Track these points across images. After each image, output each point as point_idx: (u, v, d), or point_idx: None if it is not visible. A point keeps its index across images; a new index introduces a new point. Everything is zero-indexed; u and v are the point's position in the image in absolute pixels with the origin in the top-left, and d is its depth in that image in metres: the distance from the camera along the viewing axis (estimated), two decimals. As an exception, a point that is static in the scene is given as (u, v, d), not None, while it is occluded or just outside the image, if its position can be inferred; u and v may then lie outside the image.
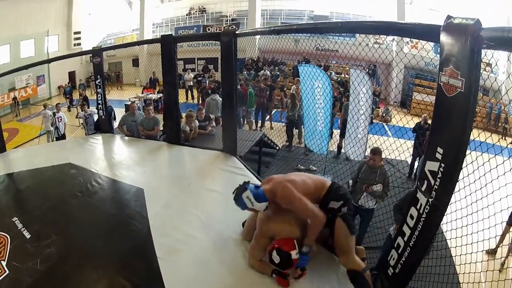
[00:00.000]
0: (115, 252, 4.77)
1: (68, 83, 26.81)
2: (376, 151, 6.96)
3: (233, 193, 4.20)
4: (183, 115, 9.82)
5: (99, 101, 10.21)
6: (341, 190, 4.25)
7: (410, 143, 9.35)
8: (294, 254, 3.82)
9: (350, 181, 10.13)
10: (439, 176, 3.06)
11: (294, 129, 13.93)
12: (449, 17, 2.89)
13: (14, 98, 24.75)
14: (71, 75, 27.69)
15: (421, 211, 3.29)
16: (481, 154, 3.60)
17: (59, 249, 4.84)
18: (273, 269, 3.99)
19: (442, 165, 3.02)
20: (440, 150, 3.03)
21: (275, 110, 17.60)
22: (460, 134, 2.91)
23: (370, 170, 7.07)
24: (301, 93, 11.11)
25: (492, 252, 7.96)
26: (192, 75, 23.64)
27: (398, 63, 16.89)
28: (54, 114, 15.15)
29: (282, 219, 4.10)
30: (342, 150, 12.56)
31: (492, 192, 3.54)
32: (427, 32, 3.25)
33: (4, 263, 4.65)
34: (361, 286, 3.99)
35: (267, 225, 4.12)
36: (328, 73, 16.46)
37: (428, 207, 3.20)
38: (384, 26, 4.11)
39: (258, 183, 4.66)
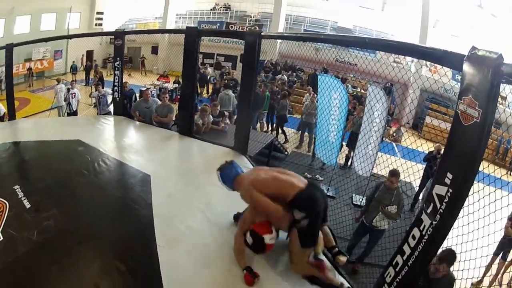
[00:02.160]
0: (116, 234, 4.73)
1: (87, 61, 26.88)
2: (394, 173, 6.90)
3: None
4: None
5: (116, 83, 10.13)
6: (308, 200, 4.04)
7: (417, 167, 9.26)
8: (268, 239, 3.95)
9: (355, 196, 10.15)
10: (445, 200, 3.09)
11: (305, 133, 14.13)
12: (473, 48, 2.93)
13: (29, 69, 24.88)
14: (89, 54, 27.68)
15: (423, 233, 3.30)
16: (484, 187, 3.63)
17: (59, 223, 4.81)
18: (245, 266, 4.04)
19: (450, 190, 3.05)
20: (449, 175, 3.07)
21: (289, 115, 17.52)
22: (470, 163, 2.94)
23: (387, 190, 7.00)
24: (317, 102, 11.02)
25: (477, 284, 8.07)
26: (210, 70, 23.53)
27: (414, 84, 16.86)
28: (68, 89, 15.08)
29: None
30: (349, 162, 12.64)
31: (488, 224, 3.60)
32: (451, 60, 3.26)
33: None
34: (317, 283, 3.98)
35: (251, 212, 4.21)
36: (345, 86, 16.39)
37: (431, 229, 3.21)
38: (410, 48, 4.16)
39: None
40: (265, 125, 15.26)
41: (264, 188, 4.08)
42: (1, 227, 4.68)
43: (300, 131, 14.80)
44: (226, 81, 16.90)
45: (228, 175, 4.45)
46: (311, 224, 3.93)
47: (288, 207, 4.00)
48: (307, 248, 4.01)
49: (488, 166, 4.30)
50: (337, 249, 4.47)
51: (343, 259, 4.41)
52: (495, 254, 7.93)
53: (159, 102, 10.01)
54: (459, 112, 2.99)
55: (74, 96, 14.96)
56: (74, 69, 26.22)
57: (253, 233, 3.97)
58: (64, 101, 15.49)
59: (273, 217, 4.05)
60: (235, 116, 10.18)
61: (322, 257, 4.30)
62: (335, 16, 28.70)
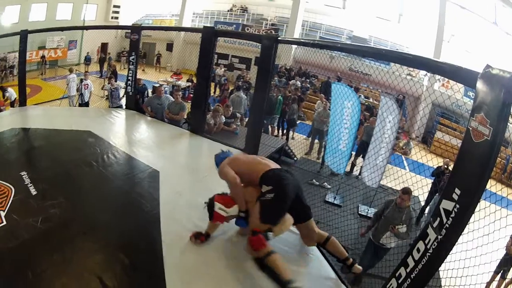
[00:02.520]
0: (121, 227, 4.72)
1: (103, 53, 26.98)
2: (406, 191, 6.72)
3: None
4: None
5: (130, 77, 10.10)
6: (275, 175, 4.15)
7: (425, 181, 9.21)
8: (217, 207, 4.21)
9: (361, 206, 10.07)
10: (452, 215, 3.07)
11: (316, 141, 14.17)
12: (487, 66, 2.92)
13: (43, 57, 24.94)
14: (104, 46, 27.75)
15: (428, 246, 3.27)
16: (489, 204, 3.71)
17: (64, 212, 4.80)
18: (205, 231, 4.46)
19: (457, 205, 3.03)
20: (457, 191, 3.04)
21: (300, 121, 17.44)
22: (478, 180, 2.92)
23: (397, 209, 6.81)
24: (330, 110, 10.97)
25: None
26: (222, 70, 23.44)
27: (427, 99, 16.77)
28: (81, 80, 15.05)
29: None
30: (356, 170, 12.68)
31: (492, 242, 3.69)
32: (465, 76, 3.27)
33: (3, 214, 4.63)
34: (267, 272, 3.82)
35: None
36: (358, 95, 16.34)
37: (436, 244, 3.18)
38: (426, 62, 4.11)
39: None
40: (276, 129, 15.19)
41: (236, 166, 4.36)
42: (5, 211, 4.66)
43: (310, 138, 14.71)
44: (239, 83, 16.85)
45: (219, 157, 4.72)
46: (276, 199, 3.92)
47: (258, 184, 4.15)
48: (265, 223, 3.92)
49: (496, 184, 4.29)
50: (351, 259, 4.44)
51: (358, 269, 4.41)
52: (495, 272, 7.89)
53: (172, 99, 10.00)
54: (471, 129, 2.98)
55: (87, 87, 14.91)
56: (87, 60, 26.36)
57: (210, 199, 4.31)
58: (77, 92, 15.46)
59: (234, 190, 4.27)
60: (246, 119, 10.14)
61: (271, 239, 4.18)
62: (351, 25, 28.64)
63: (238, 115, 10.45)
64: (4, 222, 4.44)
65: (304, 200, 4.27)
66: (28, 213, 4.65)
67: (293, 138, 15.82)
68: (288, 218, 4.14)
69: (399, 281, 3.54)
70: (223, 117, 9.54)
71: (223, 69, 23.62)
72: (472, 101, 3.04)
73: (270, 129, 14.18)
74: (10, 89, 15.07)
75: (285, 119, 14.91)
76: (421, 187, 7.02)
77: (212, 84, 20.57)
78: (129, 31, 10.27)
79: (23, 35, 10.26)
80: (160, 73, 26.92)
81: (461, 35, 23.74)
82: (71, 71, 16.53)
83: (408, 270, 3.45)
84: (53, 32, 18.36)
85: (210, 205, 4.27)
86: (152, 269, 3.98)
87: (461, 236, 3.12)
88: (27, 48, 10.54)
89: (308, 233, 4.38)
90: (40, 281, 3.66)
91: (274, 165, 4.40)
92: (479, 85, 2.94)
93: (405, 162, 15.69)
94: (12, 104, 14.60)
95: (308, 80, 22.39)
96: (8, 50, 22.04)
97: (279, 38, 6.98)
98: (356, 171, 12.79)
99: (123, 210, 5.16)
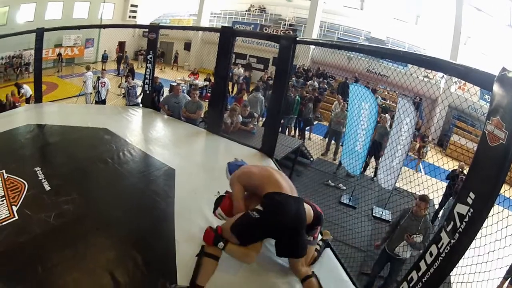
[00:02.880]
0: (135, 225, 4.69)
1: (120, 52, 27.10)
2: (424, 199, 6.50)
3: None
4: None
5: (147, 76, 10.11)
6: (275, 201, 3.78)
7: (441, 185, 9.10)
8: (217, 211, 4.25)
9: (376, 208, 9.95)
10: (465, 219, 3.00)
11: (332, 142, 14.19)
12: (503, 69, 2.88)
13: (59, 55, 25.28)
14: (121, 45, 27.90)
15: (441, 250, 3.20)
16: (503, 209, 3.58)
17: (78, 209, 4.77)
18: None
19: (471, 210, 2.97)
20: (472, 195, 2.98)
21: (317, 122, 17.34)
22: (493, 184, 2.86)
23: (413, 218, 6.55)
24: (347, 111, 10.90)
25: None
26: (241, 70, 23.47)
27: (444, 101, 16.61)
28: (98, 78, 15.10)
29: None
30: (369, 169, 12.75)
31: (504, 248, 3.68)
32: (482, 79, 3.21)
33: (15, 208, 4.61)
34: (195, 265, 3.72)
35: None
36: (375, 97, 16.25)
37: (449, 248, 3.11)
38: (443, 64, 4.03)
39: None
40: (293, 129, 15.13)
41: (248, 179, 4.17)
42: (17, 206, 4.65)
43: (327, 139, 14.60)
44: (258, 84, 16.80)
45: (232, 166, 4.65)
46: (259, 223, 3.69)
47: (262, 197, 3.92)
48: (232, 234, 3.75)
49: (509, 189, 4.20)
50: None
51: None
52: (504, 278, 7.75)
53: (189, 98, 9.98)
54: (486, 132, 2.92)
55: (104, 85, 14.98)
56: (105, 58, 26.74)
57: (221, 196, 4.36)
58: (94, 89, 15.53)
59: (235, 206, 4.10)
60: (262, 119, 10.07)
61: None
62: (369, 26, 28.52)
63: (255, 114, 10.36)
64: (16, 217, 4.42)
65: (302, 237, 3.88)
66: (41, 208, 4.63)
67: (309, 138, 15.76)
68: (252, 254, 3.85)
69: (411, 285, 3.48)
70: (240, 117, 9.47)
71: (241, 69, 23.65)
72: (487, 104, 2.98)
73: (287, 129, 14.11)
74: (25, 86, 15.27)
75: (301, 119, 14.83)
76: (436, 191, 6.86)
77: (230, 84, 20.66)
78: (147, 30, 10.32)
79: (39, 33, 10.34)
80: (178, 72, 27.00)
81: (477, 38, 23.58)
82: (88, 68, 16.65)
83: (420, 274, 3.39)
84: (70, 31, 18.47)
85: (217, 201, 4.28)
86: (164, 267, 3.93)
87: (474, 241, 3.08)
88: (43, 46, 10.58)
89: (293, 266, 3.98)
90: (51, 275, 3.63)
91: (287, 188, 4.00)
92: (495, 88, 2.90)
93: (421, 165, 15.59)
94: (27, 101, 14.76)
95: (326, 81, 22.29)
96: (24, 47, 22.28)
97: (297, 39, 6.94)
98: (370, 171, 12.80)
99: (137, 208, 5.11)
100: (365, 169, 12.54)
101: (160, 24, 10.63)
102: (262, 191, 3.91)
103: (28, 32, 10.81)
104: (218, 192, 4.40)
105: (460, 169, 10.28)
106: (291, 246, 3.82)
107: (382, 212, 9.97)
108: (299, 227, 3.78)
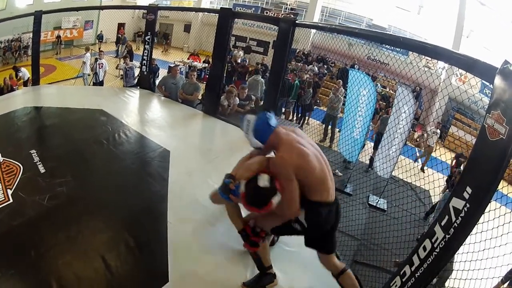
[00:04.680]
0: (128, 207, 4.72)
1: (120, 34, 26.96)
2: None
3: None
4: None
5: (145, 57, 10.09)
6: (322, 220, 3.49)
7: (437, 175, 9.11)
8: (229, 182, 3.38)
9: (372, 196, 9.96)
10: (461, 214, 2.95)
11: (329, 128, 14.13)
12: (506, 62, 2.85)
13: (58, 37, 25.08)
14: (121, 26, 27.74)
15: (435, 245, 3.15)
16: (500, 206, 3.53)
17: (72, 190, 4.81)
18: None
19: (467, 205, 2.90)
20: (468, 189, 2.92)
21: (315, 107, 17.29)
22: (491, 180, 2.79)
23: None
24: (344, 97, 10.89)
25: None
26: (241, 52, 23.37)
27: (443, 91, 16.56)
28: (96, 60, 15.01)
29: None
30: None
31: (500, 246, 3.64)
32: (483, 70, 3.18)
33: (10, 192, 4.65)
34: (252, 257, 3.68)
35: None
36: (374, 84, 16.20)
37: (443, 243, 3.07)
38: (444, 52, 4.06)
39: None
40: (291, 114, 15.09)
41: (302, 174, 3.21)
42: (12, 189, 4.68)
43: (324, 124, 14.57)
44: (258, 67, 16.71)
45: (259, 128, 3.44)
46: (299, 233, 3.58)
47: (304, 201, 3.33)
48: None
49: (507, 186, 4.16)
50: None
51: None
52: (501, 282, 7.68)
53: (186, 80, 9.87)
54: (486, 126, 2.84)
55: (102, 66, 14.84)
56: (100, 38, 26.76)
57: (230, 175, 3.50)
58: (91, 71, 15.44)
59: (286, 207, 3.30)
60: (261, 102, 10.03)
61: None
62: (371, 13, 28.34)
63: (253, 97, 10.30)
64: (11, 200, 4.46)
65: (335, 235, 3.74)
66: (35, 191, 4.66)
67: (307, 123, 15.67)
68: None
69: (403, 279, 3.44)
70: (237, 99, 9.42)
71: (241, 52, 23.56)
72: (488, 98, 2.92)
73: (284, 113, 14.06)
74: (23, 69, 15.28)
75: (300, 104, 14.80)
76: (433, 182, 6.85)
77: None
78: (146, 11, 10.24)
79: (37, 15, 10.31)
80: (168, 54, 26.90)
81: (480, 32, 23.46)
82: (87, 50, 16.56)
83: (413, 268, 3.35)
84: (69, 13, 18.34)
85: (227, 176, 3.48)
86: (156, 249, 3.95)
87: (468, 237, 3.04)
88: (42, 29, 10.60)
89: (327, 260, 3.77)
90: (43, 258, 3.65)
91: (332, 186, 3.49)
92: (497, 81, 2.84)
93: (418, 154, 15.60)
94: (25, 84, 14.72)
95: (325, 66, 22.20)
96: (22, 30, 22.16)
97: (296, 22, 6.94)
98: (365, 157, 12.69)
99: (131, 189, 5.11)
100: (371, 164, 12.23)
101: (160, 5, 10.59)
102: (309, 192, 3.31)
103: (27, 15, 10.77)
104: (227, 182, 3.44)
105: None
106: (326, 242, 3.69)
107: (378, 200, 9.93)
108: (335, 226, 3.67)
